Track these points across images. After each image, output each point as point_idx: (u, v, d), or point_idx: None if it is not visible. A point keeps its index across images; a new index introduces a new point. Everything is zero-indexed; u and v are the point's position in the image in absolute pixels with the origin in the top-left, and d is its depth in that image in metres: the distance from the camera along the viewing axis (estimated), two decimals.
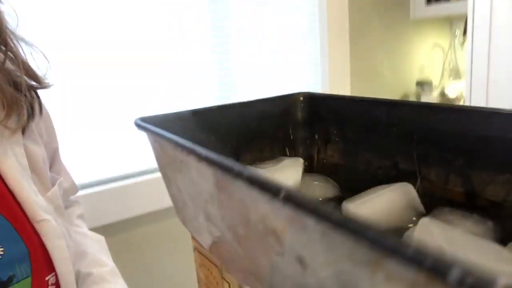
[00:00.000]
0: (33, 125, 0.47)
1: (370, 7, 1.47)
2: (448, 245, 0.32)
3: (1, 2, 0.44)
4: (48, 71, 0.49)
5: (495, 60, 0.99)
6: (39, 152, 0.47)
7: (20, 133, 0.44)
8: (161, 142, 0.37)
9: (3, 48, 0.43)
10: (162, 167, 0.38)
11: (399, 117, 0.53)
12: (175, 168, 0.32)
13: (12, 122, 0.42)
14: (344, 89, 1.48)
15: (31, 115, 0.45)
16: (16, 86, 0.43)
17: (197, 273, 0.32)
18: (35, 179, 0.45)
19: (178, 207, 0.35)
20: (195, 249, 0.32)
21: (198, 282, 0.32)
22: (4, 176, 0.41)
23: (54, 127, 0.55)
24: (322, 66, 1.40)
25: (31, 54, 0.47)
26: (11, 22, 0.44)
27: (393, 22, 1.54)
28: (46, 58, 0.48)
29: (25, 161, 0.43)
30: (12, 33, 0.45)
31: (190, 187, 0.30)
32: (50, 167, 0.54)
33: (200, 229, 0.32)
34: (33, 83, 0.47)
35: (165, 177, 0.39)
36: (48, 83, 0.48)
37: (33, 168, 0.45)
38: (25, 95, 0.44)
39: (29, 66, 0.47)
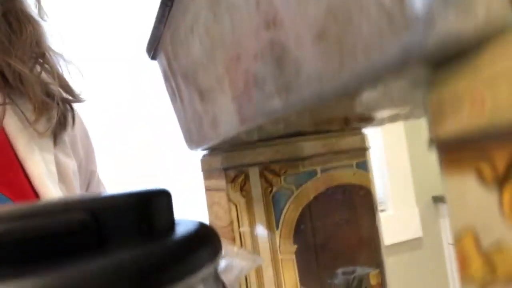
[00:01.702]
0: (66, 138, 0.49)
1: None
2: None
3: (44, 20, 0.48)
4: (84, 87, 0.52)
5: None
6: (70, 164, 0.49)
7: (51, 141, 0.46)
8: None
9: (41, 60, 0.46)
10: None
11: None
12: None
13: (41, 125, 0.45)
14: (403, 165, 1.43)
15: (63, 124, 0.47)
16: (49, 95, 0.46)
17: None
18: (62, 188, 0.46)
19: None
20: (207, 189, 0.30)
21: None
22: (30, 175, 0.42)
23: (94, 151, 0.57)
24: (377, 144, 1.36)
25: (67, 69, 0.50)
26: (52, 40, 0.49)
27: None
28: (82, 74, 0.52)
29: (53, 168, 0.45)
30: (51, 48, 0.48)
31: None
32: (87, 189, 0.55)
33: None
34: (68, 96, 0.49)
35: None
36: (82, 98, 0.50)
37: (61, 177, 0.47)
38: (58, 104, 0.46)
39: (63, 78, 0.49)
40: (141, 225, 0.16)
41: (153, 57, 0.31)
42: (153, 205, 0.16)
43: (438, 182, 1.53)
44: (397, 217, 1.46)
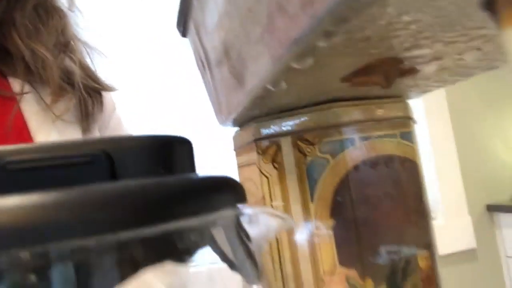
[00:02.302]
0: (96, 127, 0.50)
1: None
2: None
3: (72, 11, 0.50)
4: (115, 76, 0.52)
5: None
6: None
7: (78, 128, 0.47)
8: None
9: (65, 48, 0.47)
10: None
11: None
12: None
13: (57, 109, 0.45)
14: (454, 172, 1.36)
15: (90, 113, 0.48)
16: (70, 82, 0.46)
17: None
18: None
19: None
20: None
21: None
22: None
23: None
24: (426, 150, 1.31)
25: (94, 58, 0.51)
26: (81, 31, 0.50)
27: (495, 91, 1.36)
28: (111, 62, 0.52)
29: None
30: (77, 37, 0.49)
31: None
32: None
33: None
34: (94, 84, 0.49)
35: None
36: (111, 86, 0.51)
37: None
38: (81, 92, 0.47)
39: (88, 67, 0.50)
40: (157, 168, 0.14)
41: (184, 33, 0.31)
42: (172, 150, 0.15)
43: (491, 190, 1.43)
44: (449, 227, 1.37)
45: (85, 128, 0.48)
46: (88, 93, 0.48)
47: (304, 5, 0.12)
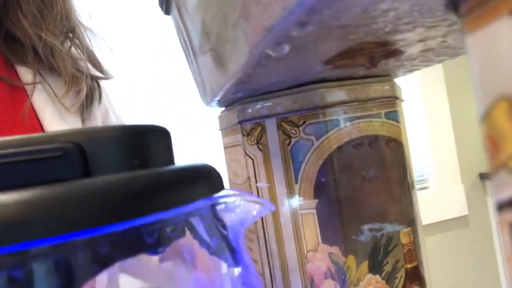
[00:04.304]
0: (98, 114, 0.49)
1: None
2: None
3: None
4: (112, 64, 0.51)
5: None
6: None
7: (78, 117, 0.46)
8: None
9: (71, 35, 0.46)
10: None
11: None
12: None
13: (68, 100, 0.44)
14: (447, 141, 1.35)
15: (89, 101, 0.47)
16: (78, 70, 0.45)
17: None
18: None
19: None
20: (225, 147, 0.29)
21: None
22: None
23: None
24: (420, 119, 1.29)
25: (97, 46, 0.49)
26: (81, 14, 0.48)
27: None
28: (111, 49, 0.51)
29: None
30: (81, 22, 0.48)
31: None
32: None
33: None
34: (96, 72, 0.48)
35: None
36: (110, 74, 0.50)
37: None
38: (86, 79, 0.46)
39: (93, 54, 0.49)
40: (132, 160, 0.14)
41: (166, 11, 0.30)
42: (147, 140, 0.15)
43: (484, 158, 1.44)
44: (442, 195, 1.39)
45: (85, 118, 0.47)
46: (91, 81, 0.47)
47: None
